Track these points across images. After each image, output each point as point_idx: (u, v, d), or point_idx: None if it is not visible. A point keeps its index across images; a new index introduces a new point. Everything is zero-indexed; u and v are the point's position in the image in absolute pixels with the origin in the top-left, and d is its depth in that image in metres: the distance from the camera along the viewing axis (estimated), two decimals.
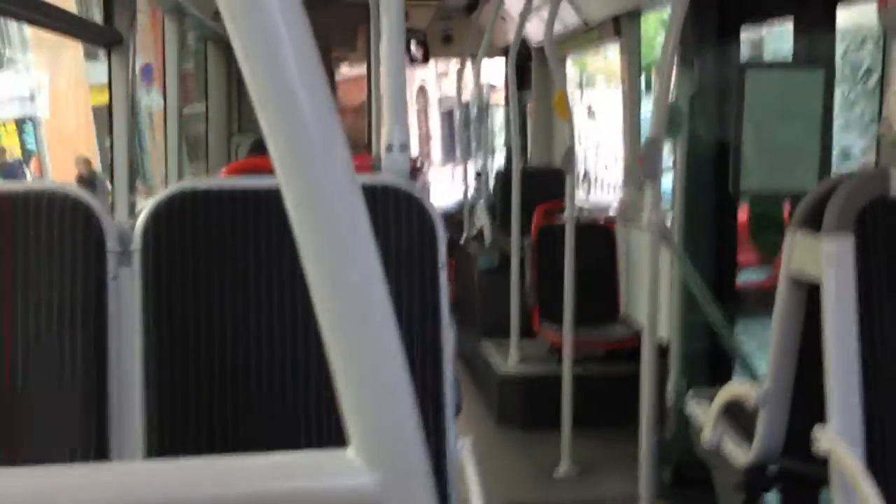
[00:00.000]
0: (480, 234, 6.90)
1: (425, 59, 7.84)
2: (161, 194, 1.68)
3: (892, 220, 1.66)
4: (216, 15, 5.38)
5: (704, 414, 2.09)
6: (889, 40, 1.77)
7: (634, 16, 4.89)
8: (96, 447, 1.57)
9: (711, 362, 3.73)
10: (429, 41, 7.76)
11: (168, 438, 1.62)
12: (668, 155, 3.35)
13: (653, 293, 2.77)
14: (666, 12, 4.98)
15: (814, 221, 1.69)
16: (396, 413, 0.56)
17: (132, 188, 3.76)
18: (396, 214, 1.70)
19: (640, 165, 2.68)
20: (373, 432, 0.55)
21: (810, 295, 1.75)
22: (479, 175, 7.72)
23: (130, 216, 3.64)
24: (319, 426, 1.64)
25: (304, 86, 0.50)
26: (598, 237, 5.10)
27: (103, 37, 3.60)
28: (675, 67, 2.92)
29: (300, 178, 0.50)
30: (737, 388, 1.98)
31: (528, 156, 7.50)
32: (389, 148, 1.87)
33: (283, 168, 0.50)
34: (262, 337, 1.64)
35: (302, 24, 0.50)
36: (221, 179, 1.76)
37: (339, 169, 0.51)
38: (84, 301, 1.62)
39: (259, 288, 1.66)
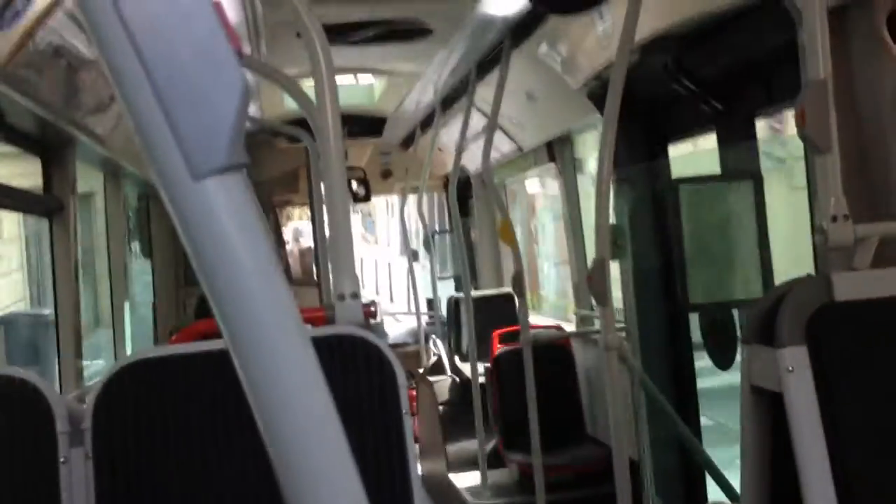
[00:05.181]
0: (439, 362, 6.85)
1: (366, 198, 7.95)
2: (112, 368, 1.64)
3: (841, 324, 1.69)
4: None
5: None
6: (810, 156, 1.85)
7: (566, 140, 5.06)
8: None
9: (685, 477, 3.68)
10: (368, 177, 7.90)
11: None
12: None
13: (616, 414, 2.75)
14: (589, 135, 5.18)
15: (766, 333, 1.71)
16: None
17: (79, 355, 3.67)
18: (355, 363, 1.69)
19: (589, 287, 2.71)
20: None
21: (774, 403, 1.75)
22: (430, 302, 7.74)
23: (78, 385, 3.53)
24: None
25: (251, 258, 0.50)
26: (556, 357, 5.09)
27: (43, 206, 3.59)
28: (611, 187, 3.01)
29: (248, 336, 0.50)
30: None
31: (478, 281, 7.56)
32: (342, 297, 1.88)
33: (230, 328, 0.50)
34: None
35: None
36: (171, 347, 1.73)
37: (288, 324, 0.51)
38: (35, 489, 1.55)
39: (220, 456, 1.61)
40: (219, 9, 0.46)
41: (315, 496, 0.52)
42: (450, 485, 5.39)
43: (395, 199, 7.83)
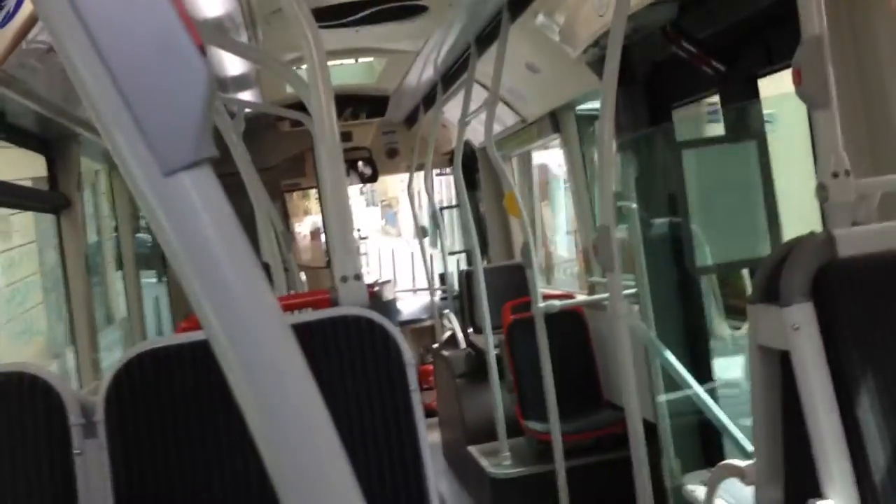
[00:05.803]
0: (454, 336, 6.88)
1: (373, 178, 7.94)
2: (120, 359, 1.65)
3: (846, 280, 1.68)
4: None
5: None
6: (812, 113, 1.84)
7: (570, 108, 5.03)
8: None
9: (702, 438, 3.70)
10: (374, 156, 7.88)
11: None
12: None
13: (628, 379, 2.75)
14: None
15: (772, 292, 1.71)
16: None
17: (95, 348, 3.71)
18: (360, 343, 1.70)
19: (595, 255, 2.71)
20: None
21: (783, 362, 1.75)
22: (442, 277, 7.77)
23: (96, 378, 3.57)
24: None
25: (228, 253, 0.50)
26: (569, 325, 5.09)
27: (50, 203, 3.61)
28: (615, 155, 2.99)
29: (227, 328, 0.50)
30: (729, 467, 1.96)
31: (489, 254, 7.57)
32: (344, 279, 1.88)
33: (208, 322, 0.51)
34: (241, 494, 1.60)
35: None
36: (179, 336, 1.74)
37: (266, 315, 0.51)
38: (51, 481, 1.57)
39: (234, 439, 1.63)
40: (177, 3, 0.47)
41: (307, 492, 0.52)
42: (469, 455, 5.44)
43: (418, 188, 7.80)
